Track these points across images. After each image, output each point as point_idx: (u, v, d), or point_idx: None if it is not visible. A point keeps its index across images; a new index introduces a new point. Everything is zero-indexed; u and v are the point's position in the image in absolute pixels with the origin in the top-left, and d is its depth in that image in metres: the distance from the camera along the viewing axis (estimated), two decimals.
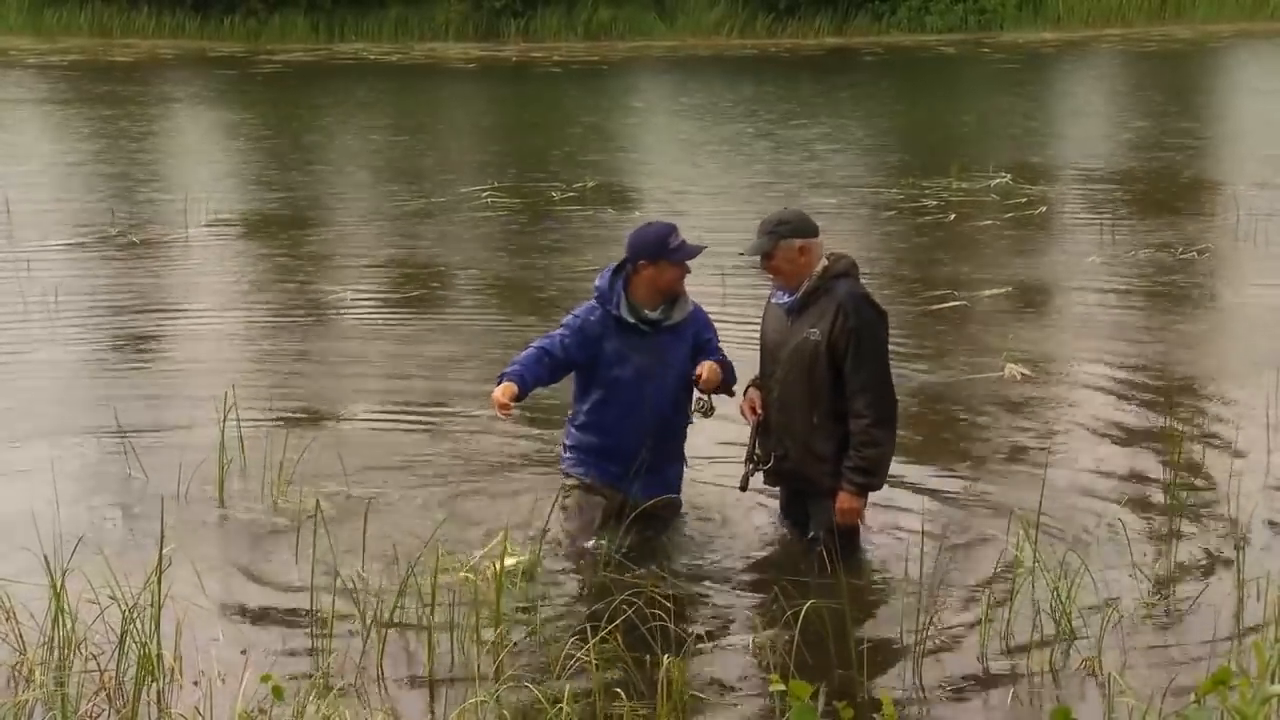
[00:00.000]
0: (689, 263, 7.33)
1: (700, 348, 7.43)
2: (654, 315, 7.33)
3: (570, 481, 7.46)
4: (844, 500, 7.08)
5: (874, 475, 7.11)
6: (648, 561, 7.22)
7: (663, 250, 7.28)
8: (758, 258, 7.26)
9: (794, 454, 7.20)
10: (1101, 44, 35.85)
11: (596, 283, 7.42)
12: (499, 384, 7.15)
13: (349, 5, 38.10)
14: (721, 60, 34.42)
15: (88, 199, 17.97)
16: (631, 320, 7.29)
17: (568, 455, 7.51)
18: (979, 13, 38.07)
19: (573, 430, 7.49)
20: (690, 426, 7.55)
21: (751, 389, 7.35)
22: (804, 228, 7.20)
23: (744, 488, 7.39)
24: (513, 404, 7.14)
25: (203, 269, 14.31)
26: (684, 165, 20.59)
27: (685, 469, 7.63)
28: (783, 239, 7.15)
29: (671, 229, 7.38)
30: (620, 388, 7.30)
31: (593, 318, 7.33)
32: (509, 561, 6.85)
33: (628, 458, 7.26)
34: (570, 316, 7.41)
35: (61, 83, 30.47)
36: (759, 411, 7.28)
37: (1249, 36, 36.67)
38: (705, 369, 7.25)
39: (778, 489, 7.57)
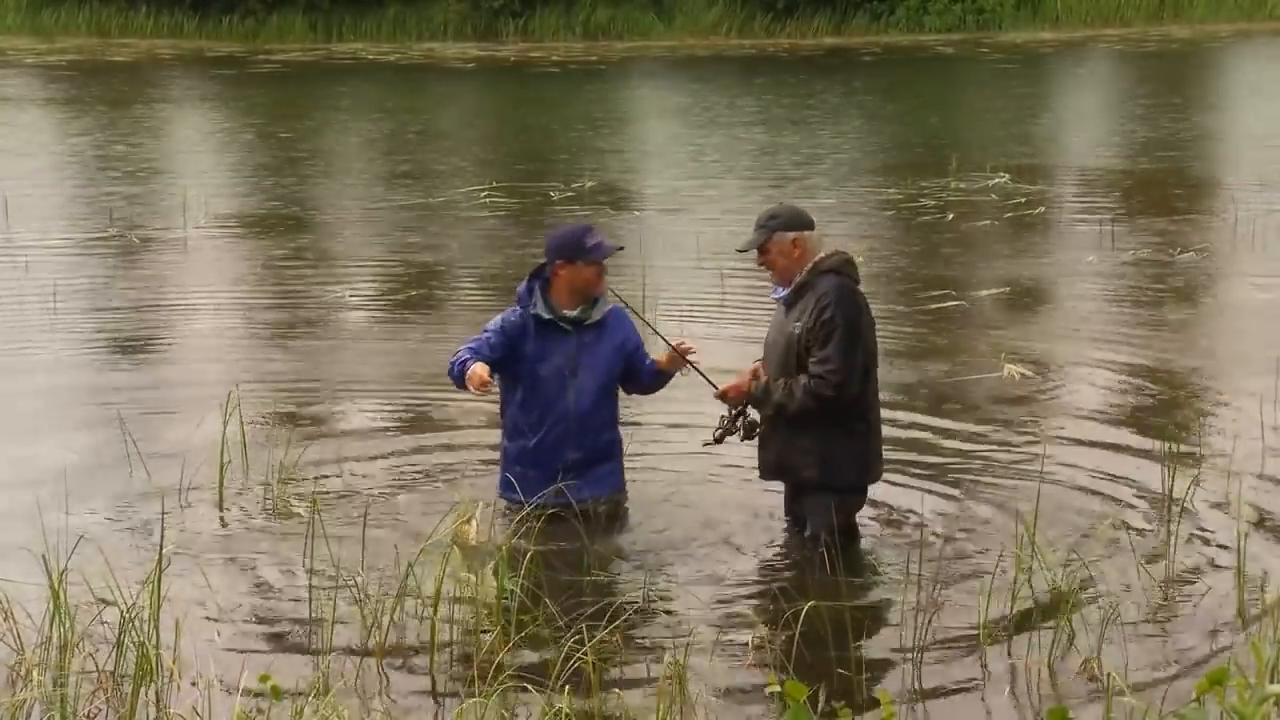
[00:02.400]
0: (608, 261, 7.41)
1: (631, 355, 7.51)
2: (573, 314, 7.39)
3: (501, 504, 7.58)
4: (743, 385, 7.15)
5: (771, 401, 7.10)
6: (646, 562, 7.22)
7: (579, 250, 7.36)
8: (754, 253, 7.26)
9: (776, 444, 7.21)
10: (1100, 44, 35.86)
11: (519, 289, 7.55)
12: (459, 372, 7.25)
13: (347, 5, 38.10)
14: (720, 60, 34.42)
15: (86, 198, 17.97)
16: (548, 317, 7.39)
17: (501, 475, 7.62)
18: (977, 13, 38.08)
19: (504, 443, 7.62)
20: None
21: (759, 363, 7.35)
22: (797, 221, 7.21)
23: (717, 440, 7.35)
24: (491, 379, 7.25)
25: (201, 268, 14.30)
26: (682, 165, 20.59)
27: (621, 466, 7.66)
28: (775, 232, 7.16)
29: (587, 229, 7.48)
30: (541, 386, 7.41)
31: (513, 318, 7.47)
32: (468, 527, 6.99)
33: (551, 458, 7.37)
34: (490, 323, 7.55)
35: (60, 83, 30.46)
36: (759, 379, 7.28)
37: (1248, 36, 36.69)
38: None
39: (774, 488, 7.57)
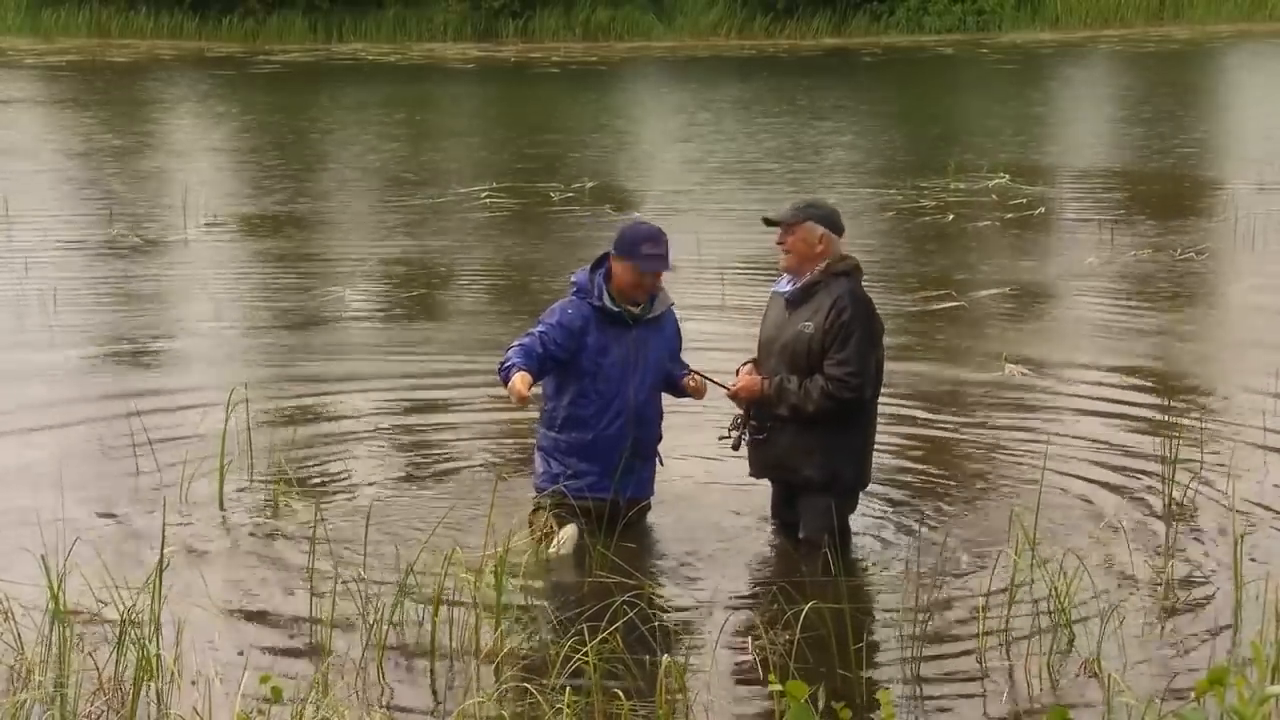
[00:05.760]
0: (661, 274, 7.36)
1: (675, 355, 7.50)
2: (636, 310, 7.35)
3: (542, 500, 7.43)
4: (755, 384, 7.12)
5: (787, 402, 7.09)
6: (647, 563, 7.22)
7: (633, 251, 7.30)
8: (777, 230, 7.22)
9: (781, 443, 7.20)
10: (1100, 44, 35.87)
11: (573, 278, 7.46)
12: (505, 377, 7.14)
13: (347, 6, 38.10)
14: (720, 61, 34.42)
15: (86, 199, 17.96)
16: (615, 309, 7.30)
17: (542, 469, 7.48)
18: (977, 13, 38.08)
19: (549, 434, 7.46)
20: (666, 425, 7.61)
21: (746, 366, 7.32)
22: (832, 220, 7.25)
23: (727, 438, 7.35)
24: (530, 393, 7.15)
25: (202, 268, 14.29)
26: (682, 166, 20.58)
27: (652, 472, 7.60)
28: (810, 220, 7.17)
29: (654, 236, 7.36)
30: (600, 380, 7.31)
31: (571, 311, 7.34)
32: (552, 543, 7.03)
33: (607, 453, 7.28)
34: (546, 314, 7.41)
35: (60, 83, 30.46)
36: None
37: (1248, 37, 36.69)
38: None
39: (772, 495, 7.56)
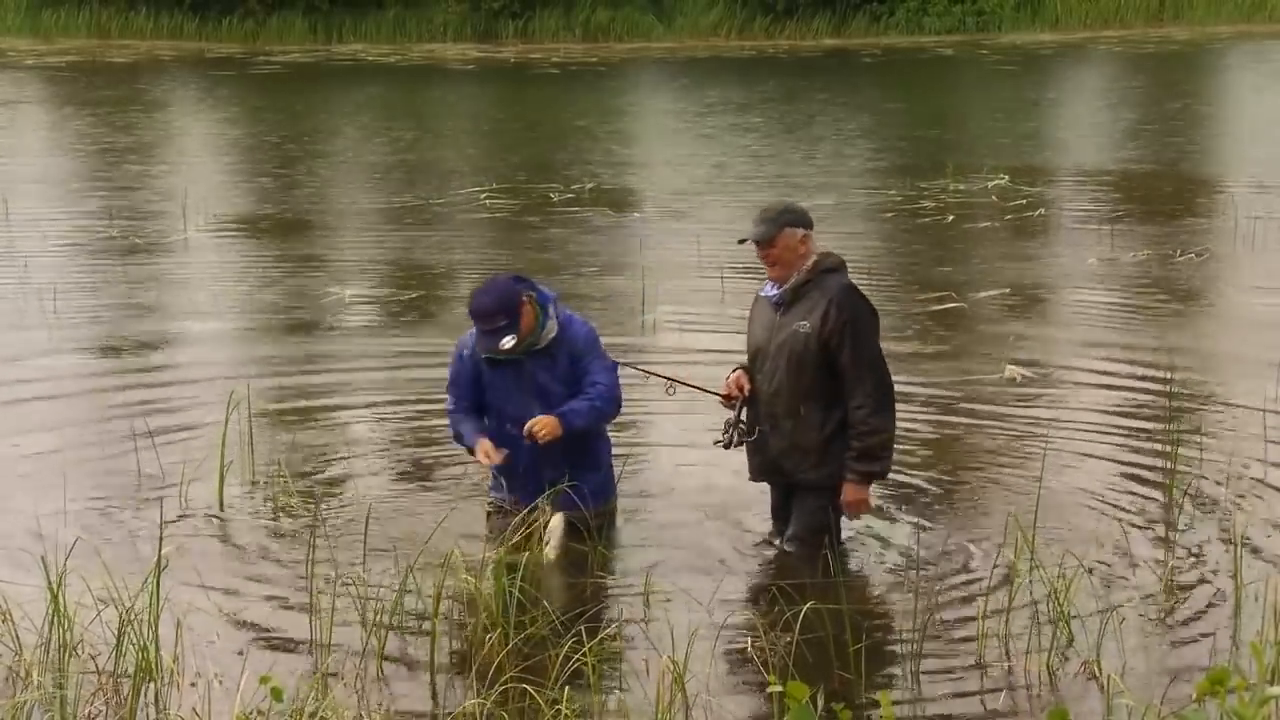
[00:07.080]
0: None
1: (577, 374, 7.40)
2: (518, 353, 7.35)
3: (489, 504, 7.63)
4: (851, 492, 7.09)
5: (877, 461, 7.12)
6: (645, 563, 7.23)
7: (473, 325, 7.36)
8: (753, 245, 7.21)
9: (777, 445, 7.20)
10: (1099, 45, 35.88)
11: None
12: (471, 446, 7.38)
13: (347, 6, 38.13)
14: (719, 61, 34.43)
15: (86, 200, 17.96)
16: (484, 356, 7.38)
17: (492, 477, 7.65)
18: (977, 14, 38.11)
19: None
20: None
21: (736, 373, 7.31)
22: (805, 219, 7.24)
23: (725, 445, 7.35)
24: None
25: (201, 269, 14.30)
26: (681, 166, 20.59)
27: (609, 478, 7.61)
28: (787, 227, 7.16)
29: (482, 313, 7.24)
30: (506, 412, 7.41)
31: (465, 353, 7.47)
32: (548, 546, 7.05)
33: (519, 473, 7.36)
34: (450, 369, 7.57)
35: (59, 84, 30.47)
36: (743, 390, 7.26)
37: (1247, 38, 36.70)
38: (536, 424, 7.25)
39: (770, 497, 7.55)
